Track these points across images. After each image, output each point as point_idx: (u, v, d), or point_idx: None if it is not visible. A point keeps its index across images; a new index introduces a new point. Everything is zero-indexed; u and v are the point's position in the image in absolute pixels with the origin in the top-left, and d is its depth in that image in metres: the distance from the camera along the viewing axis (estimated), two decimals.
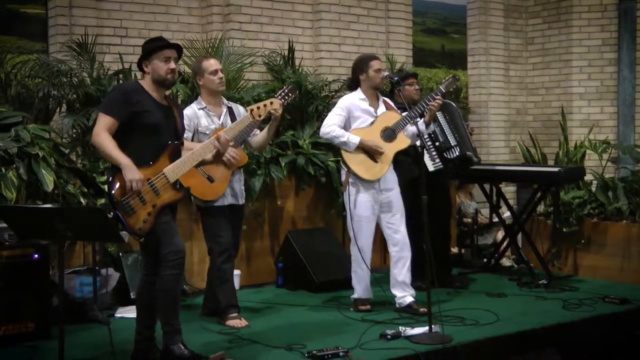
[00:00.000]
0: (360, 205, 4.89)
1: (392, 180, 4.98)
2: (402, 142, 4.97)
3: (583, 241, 6.33)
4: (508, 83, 8.46)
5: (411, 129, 4.96)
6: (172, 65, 3.79)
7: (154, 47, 3.80)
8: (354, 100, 4.95)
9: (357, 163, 4.87)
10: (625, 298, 5.27)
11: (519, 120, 8.60)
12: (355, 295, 5.05)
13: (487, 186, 6.49)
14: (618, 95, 8.10)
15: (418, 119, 4.93)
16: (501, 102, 8.39)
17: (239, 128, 4.25)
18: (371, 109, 4.95)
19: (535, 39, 8.55)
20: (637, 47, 8.02)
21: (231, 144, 4.17)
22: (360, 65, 4.95)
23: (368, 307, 5.02)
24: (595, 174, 6.65)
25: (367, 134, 4.88)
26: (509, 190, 7.78)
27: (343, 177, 4.97)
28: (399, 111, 5.06)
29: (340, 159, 5.00)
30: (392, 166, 4.96)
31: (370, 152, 4.87)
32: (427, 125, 5.04)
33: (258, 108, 4.17)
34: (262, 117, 4.21)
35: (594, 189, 6.53)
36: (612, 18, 8.08)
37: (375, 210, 4.92)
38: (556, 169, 6.09)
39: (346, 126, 4.93)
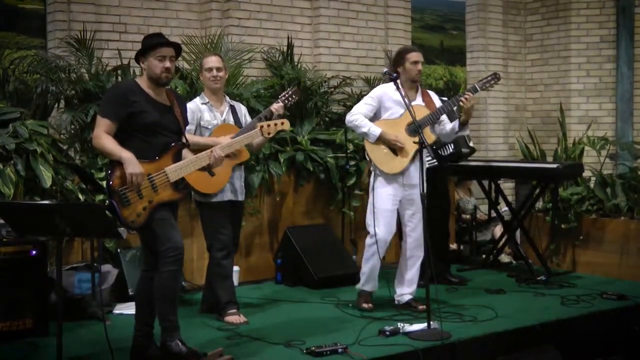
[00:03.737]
0: (381, 198, 4.79)
1: (416, 176, 4.77)
2: (426, 138, 4.72)
3: (581, 237, 6.34)
4: (507, 79, 8.45)
5: (449, 126, 4.84)
6: (167, 64, 3.76)
7: (150, 45, 3.78)
8: (388, 90, 4.83)
9: (378, 155, 4.79)
10: (623, 294, 5.28)
11: (518, 116, 8.60)
12: (358, 286, 4.97)
13: (485, 182, 6.50)
14: (616, 92, 8.10)
15: (443, 118, 4.84)
16: (500, 99, 8.39)
17: (244, 142, 4.23)
18: (403, 102, 4.71)
19: (534, 35, 8.54)
20: (635, 44, 8.03)
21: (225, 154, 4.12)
22: (398, 57, 4.86)
23: (370, 305, 4.91)
24: (593, 170, 6.66)
25: (391, 127, 4.79)
26: (507, 186, 7.78)
27: (374, 170, 4.86)
28: (438, 103, 4.90)
29: (365, 150, 4.93)
30: (418, 163, 4.72)
31: (390, 146, 4.78)
32: (463, 125, 4.81)
33: (268, 126, 4.18)
34: (271, 135, 4.21)
35: (592, 185, 6.54)
36: (611, 15, 8.08)
37: (396, 204, 4.81)
38: (555, 166, 6.10)
39: (377, 116, 4.84)
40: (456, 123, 4.84)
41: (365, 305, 4.92)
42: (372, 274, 4.91)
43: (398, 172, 4.79)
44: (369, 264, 4.89)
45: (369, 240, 4.87)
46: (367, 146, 4.84)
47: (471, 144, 5.93)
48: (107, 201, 3.65)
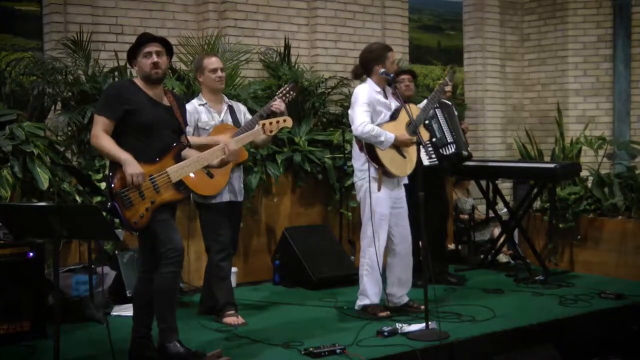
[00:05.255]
0: (382, 203, 4.65)
1: (407, 176, 4.81)
2: (423, 135, 4.74)
3: (579, 237, 6.34)
4: (504, 79, 8.46)
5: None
6: (155, 59, 3.74)
7: (133, 47, 3.79)
8: (373, 94, 4.69)
9: (390, 160, 4.64)
10: (621, 293, 5.28)
11: (515, 116, 8.60)
12: (366, 302, 4.74)
13: (483, 182, 6.50)
14: (614, 91, 8.11)
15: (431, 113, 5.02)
16: (497, 99, 8.40)
17: (248, 140, 4.19)
18: (388, 102, 4.75)
19: (531, 35, 8.55)
20: (632, 44, 8.04)
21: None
22: (377, 55, 4.71)
23: (388, 312, 4.72)
24: (591, 170, 6.66)
25: (395, 130, 4.67)
26: (505, 186, 7.79)
27: (369, 175, 4.63)
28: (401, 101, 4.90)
29: (365, 156, 4.66)
30: None
31: (403, 147, 4.67)
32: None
33: (270, 124, 4.13)
34: (273, 133, 4.16)
35: (590, 185, 6.54)
36: (607, 14, 8.09)
37: (391, 205, 4.74)
38: (552, 165, 6.10)
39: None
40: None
41: (383, 314, 4.70)
42: (377, 288, 4.73)
43: (407, 174, 4.73)
44: (372, 279, 4.70)
45: (369, 254, 4.66)
46: (379, 153, 4.61)
47: (469, 149, 5.96)
48: (109, 204, 3.64)
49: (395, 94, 4.77)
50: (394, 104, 4.81)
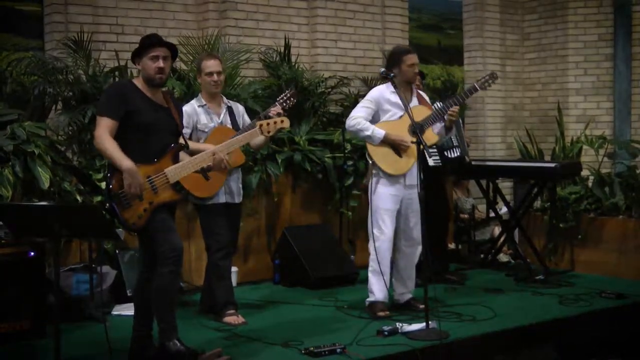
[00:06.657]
0: (383, 198, 4.69)
1: (415, 176, 4.70)
2: (429, 138, 4.77)
3: (580, 236, 6.34)
4: (504, 79, 8.45)
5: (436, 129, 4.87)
6: (160, 64, 3.74)
7: (142, 45, 3.79)
8: (384, 93, 4.76)
9: (382, 157, 4.70)
10: (622, 293, 5.28)
11: (516, 115, 8.60)
12: (372, 299, 4.77)
13: (483, 182, 6.50)
14: (614, 90, 8.11)
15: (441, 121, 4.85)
16: (497, 98, 8.39)
17: (244, 142, 4.19)
18: (401, 103, 4.72)
19: (532, 34, 8.55)
20: (632, 43, 8.03)
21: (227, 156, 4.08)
22: (394, 58, 4.78)
23: (387, 312, 4.73)
24: (591, 169, 6.66)
25: (393, 128, 4.71)
26: (505, 185, 7.79)
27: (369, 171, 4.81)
28: (431, 105, 4.91)
29: (365, 152, 4.84)
30: (417, 162, 4.66)
31: (395, 147, 4.70)
32: (448, 130, 4.91)
33: (268, 124, 4.10)
34: (271, 134, 4.14)
35: (590, 184, 6.54)
36: (608, 13, 8.08)
37: (397, 203, 4.73)
38: (553, 165, 6.11)
39: (375, 119, 4.74)
40: (442, 130, 4.89)
41: (382, 314, 4.71)
42: (382, 285, 4.71)
43: (407, 173, 4.73)
44: (376, 275, 4.70)
45: (372, 249, 4.70)
46: (370, 149, 4.73)
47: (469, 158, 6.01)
48: (107, 204, 3.64)
49: (416, 93, 4.83)
50: (414, 105, 4.81)
